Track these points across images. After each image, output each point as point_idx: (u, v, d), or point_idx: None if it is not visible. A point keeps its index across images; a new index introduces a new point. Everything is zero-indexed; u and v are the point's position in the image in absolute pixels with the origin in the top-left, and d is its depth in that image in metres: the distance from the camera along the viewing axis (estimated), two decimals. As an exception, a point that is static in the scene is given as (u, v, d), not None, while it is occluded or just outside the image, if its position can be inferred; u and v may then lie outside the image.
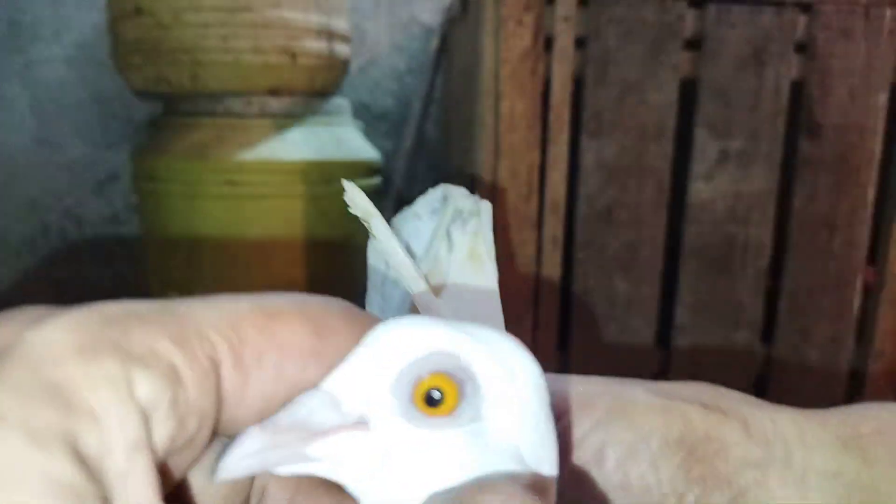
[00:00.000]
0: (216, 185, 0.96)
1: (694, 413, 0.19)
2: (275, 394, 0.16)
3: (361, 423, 0.16)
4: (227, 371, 0.15)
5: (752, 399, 0.20)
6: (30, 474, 0.11)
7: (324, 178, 1.01)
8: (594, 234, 0.74)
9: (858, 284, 0.76)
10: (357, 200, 0.27)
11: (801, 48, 0.73)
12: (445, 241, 0.28)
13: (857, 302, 0.76)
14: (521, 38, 0.69)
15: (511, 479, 0.15)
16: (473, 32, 0.79)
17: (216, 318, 0.15)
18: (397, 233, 0.28)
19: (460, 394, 0.16)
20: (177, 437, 0.14)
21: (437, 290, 0.27)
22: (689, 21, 0.71)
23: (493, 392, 0.16)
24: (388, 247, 0.27)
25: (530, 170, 0.72)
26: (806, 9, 0.72)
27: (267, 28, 0.94)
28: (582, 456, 0.19)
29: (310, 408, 0.15)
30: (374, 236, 0.26)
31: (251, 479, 0.18)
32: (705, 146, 0.73)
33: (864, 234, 0.75)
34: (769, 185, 0.74)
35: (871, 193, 0.74)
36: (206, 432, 0.15)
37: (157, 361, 0.13)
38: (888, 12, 0.72)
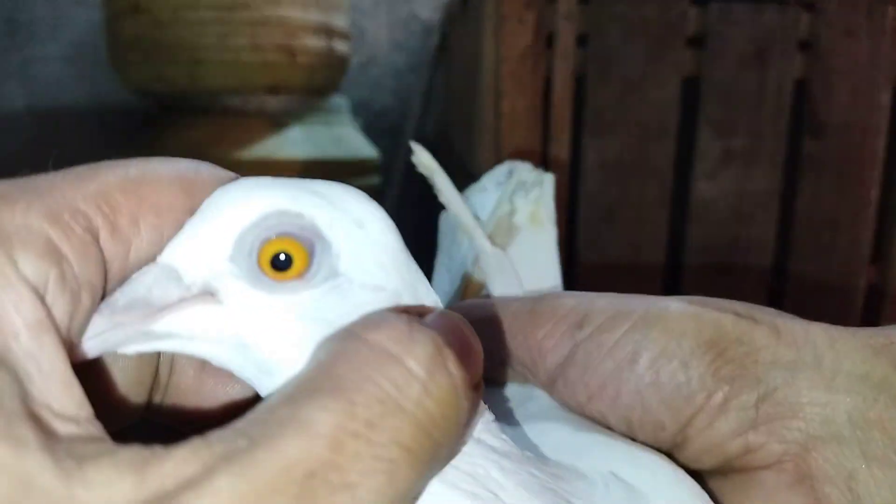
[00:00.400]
0: (214, 184, 0.96)
1: (726, 319, 0.20)
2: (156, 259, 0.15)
3: (206, 293, 0.15)
4: (106, 241, 0.14)
5: (787, 314, 0.21)
6: None
7: (323, 176, 0.99)
8: (596, 233, 0.73)
9: (862, 284, 0.75)
10: (422, 160, 0.29)
11: (805, 46, 0.72)
12: (508, 205, 0.29)
13: (861, 302, 0.76)
14: (521, 36, 0.69)
15: (396, 312, 0.15)
16: (474, 30, 0.79)
17: (82, 188, 0.14)
18: (465, 201, 0.29)
19: (309, 255, 0.15)
20: (74, 313, 0.13)
21: (499, 248, 0.29)
22: (692, 19, 0.71)
23: (345, 245, 0.15)
24: (450, 198, 0.28)
25: (531, 169, 0.71)
26: (809, 7, 0.71)
27: (265, 26, 0.93)
28: (616, 356, 0.20)
29: (147, 284, 0.15)
30: (437, 191, 0.28)
31: (157, 355, 0.17)
32: (708, 145, 0.73)
33: (868, 234, 0.74)
34: (772, 184, 0.74)
35: (874, 193, 0.74)
36: (97, 304, 0.14)
37: (33, 239, 0.13)
38: (891, 10, 0.72)
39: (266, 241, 0.15)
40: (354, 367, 0.13)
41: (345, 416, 0.12)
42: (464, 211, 0.28)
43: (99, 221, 0.14)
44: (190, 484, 0.11)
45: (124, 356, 0.16)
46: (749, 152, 0.73)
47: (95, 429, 0.12)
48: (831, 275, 0.75)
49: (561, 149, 0.71)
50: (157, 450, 0.12)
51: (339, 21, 1.02)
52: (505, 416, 0.21)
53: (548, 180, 0.31)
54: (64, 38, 1.36)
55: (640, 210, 0.73)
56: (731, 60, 0.72)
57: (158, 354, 0.17)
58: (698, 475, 0.20)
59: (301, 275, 0.15)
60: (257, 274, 0.15)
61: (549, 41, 0.70)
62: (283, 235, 0.15)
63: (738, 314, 0.20)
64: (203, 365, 0.18)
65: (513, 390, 0.23)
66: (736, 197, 0.74)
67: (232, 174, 0.17)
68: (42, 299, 0.13)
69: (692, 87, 0.72)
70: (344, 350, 0.14)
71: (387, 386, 0.13)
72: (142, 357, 0.16)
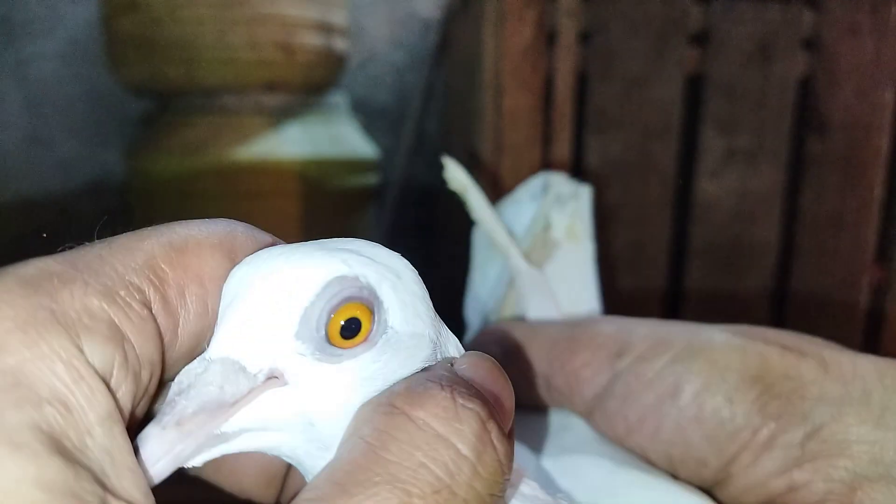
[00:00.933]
0: (211, 183, 0.95)
1: (773, 353, 0.19)
2: (203, 330, 0.15)
3: (273, 378, 0.14)
4: (159, 314, 0.14)
5: (834, 345, 0.20)
6: (23, 485, 0.10)
7: (321, 175, 0.99)
8: (598, 232, 0.73)
9: (866, 283, 0.75)
10: (454, 175, 0.28)
11: (808, 44, 0.72)
12: (543, 221, 0.29)
13: (865, 301, 0.75)
14: (522, 34, 0.68)
15: (435, 380, 0.14)
16: (474, 27, 0.78)
17: (131, 260, 0.14)
18: (499, 217, 0.29)
19: (372, 315, 0.15)
20: (136, 393, 0.13)
21: (535, 265, 0.28)
22: (695, 16, 0.70)
23: (392, 298, 0.15)
24: (484, 216, 0.27)
25: (532, 167, 0.71)
26: (812, 5, 0.71)
27: (263, 23, 0.92)
28: (657, 389, 0.19)
29: (217, 383, 0.14)
30: (470, 208, 0.28)
31: None
32: (711, 143, 0.72)
33: (871, 233, 0.74)
34: (776, 183, 0.73)
35: (878, 191, 0.73)
36: (155, 381, 0.14)
37: (96, 323, 0.12)
38: (894, 9, 0.71)
39: (335, 310, 0.14)
40: (405, 451, 0.13)
41: None
42: (498, 229, 0.28)
43: (151, 294, 0.14)
44: None
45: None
46: (752, 151, 0.73)
47: None
48: (835, 273, 0.75)
49: (562, 147, 0.71)
50: None
51: (338, 18, 1.01)
52: (540, 448, 0.20)
53: (584, 193, 0.31)
54: (60, 35, 1.35)
55: (642, 208, 0.73)
56: (735, 58, 0.71)
57: None
58: None
59: (366, 337, 0.15)
60: (324, 346, 0.14)
61: (551, 38, 0.69)
62: (349, 300, 0.14)
63: (784, 347, 0.19)
64: None
65: (549, 418, 0.22)
66: (739, 195, 0.73)
67: (268, 235, 0.17)
68: (108, 386, 0.12)
69: (695, 84, 0.72)
70: (391, 429, 0.13)
71: (439, 472, 0.13)
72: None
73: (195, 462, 0.14)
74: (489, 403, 0.14)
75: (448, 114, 1.14)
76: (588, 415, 0.21)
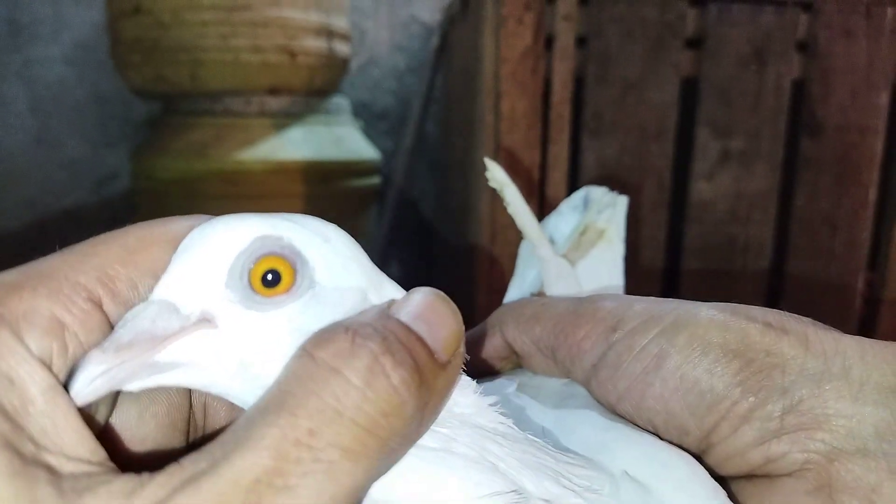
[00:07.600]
0: (215, 185, 0.96)
1: (753, 329, 0.20)
2: None
3: (204, 321, 0.16)
4: (108, 306, 0.16)
5: (820, 323, 0.21)
6: None
7: (323, 177, 1.00)
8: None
9: (860, 284, 0.75)
10: (493, 173, 0.31)
11: (803, 47, 0.72)
12: (582, 227, 0.31)
13: (858, 302, 0.76)
14: (521, 37, 0.69)
15: (345, 324, 0.16)
16: (474, 31, 0.79)
17: (84, 265, 0.16)
18: (532, 213, 0.31)
19: (294, 270, 0.17)
20: None
21: (571, 264, 0.30)
22: (690, 20, 0.71)
23: (318, 257, 0.17)
24: (517, 209, 0.29)
25: (531, 169, 0.71)
26: (807, 8, 0.71)
27: (266, 27, 0.93)
28: (643, 360, 0.20)
29: (150, 317, 0.16)
30: (506, 204, 0.30)
31: (188, 400, 0.19)
32: (706, 145, 0.73)
33: (865, 234, 0.74)
34: (770, 184, 0.74)
35: (872, 193, 0.74)
36: None
37: (38, 318, 0.15)
38: (889, 11, 0.72)
39: (256, 261, 0.16)
40: (301, 383, 0.15)
41: (287, 428, 0.14)
42: (530, 221, 0.30)
43: (100, 291, 0.16)
44: None
45: (154, 404, 0.18)
46: (747, 153, 0.73)
47: (107, 468, 0.15)
48: (829, 275, 0.75)
49: (560, 149, 0.71)
50: (146, 477, 0.14)
51: (340, 22, 1.02)
52: (542, 410, 0.22)
53: (621, 202, 0.33)
54: (66, 38, 1.36)
55: (638, 210, 0.73)
56: (730, 61, 0.72)
57: (189, 404, 0.19)
58: (725, 478, 0.20)
59: (288, 289, 0.16)
60: (250, 294, 0.16)
61: (549, 42, 0.70)
62: (269, 254, 0.17)
63: (768, 324, 0.20)
64: (232, 405, 0.19)
65: (558, 386, 0.24)
66: (734, 197, 0.74)
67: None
68: (50, 368, 0.15)
69: (691, 87, 0.73)
70: (295, 369, 0.15)
71: (327, 397, 0.14)
72: (171, 403, 0.18)
73: (132, 387, 0.16)
74: (389, 340, 0.15)
75: (448, 117, 1.15)
76: (586, 384, 0.22)
